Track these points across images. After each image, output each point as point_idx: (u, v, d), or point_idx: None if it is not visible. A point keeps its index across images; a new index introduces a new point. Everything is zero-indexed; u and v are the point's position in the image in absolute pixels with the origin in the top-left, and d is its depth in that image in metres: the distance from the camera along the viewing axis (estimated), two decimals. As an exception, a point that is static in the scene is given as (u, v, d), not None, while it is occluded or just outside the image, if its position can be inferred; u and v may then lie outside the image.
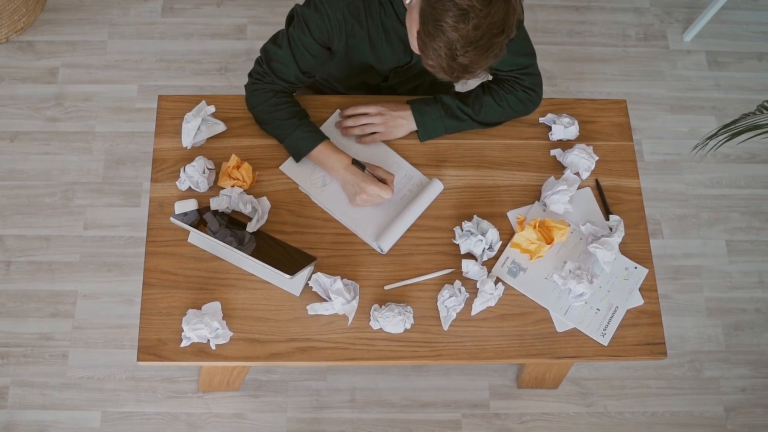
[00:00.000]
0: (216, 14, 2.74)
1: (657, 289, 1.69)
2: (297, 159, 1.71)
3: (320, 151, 1.69)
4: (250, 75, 1.71)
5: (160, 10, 2.73)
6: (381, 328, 1.61)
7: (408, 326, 1.59)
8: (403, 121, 1.75)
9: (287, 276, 1.47)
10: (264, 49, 1.68)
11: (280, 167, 1.74)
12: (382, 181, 1.67)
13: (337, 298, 1.57)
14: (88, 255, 2.37)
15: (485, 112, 1.74)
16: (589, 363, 2.32)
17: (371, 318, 1.60)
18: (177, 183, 1.70)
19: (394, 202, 1.72)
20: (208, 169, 1.70)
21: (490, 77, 1.78)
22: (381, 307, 1.61)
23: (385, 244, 1.66)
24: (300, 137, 1.69)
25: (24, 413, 2.18)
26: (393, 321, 1.57)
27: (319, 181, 1.73)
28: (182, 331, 1.58)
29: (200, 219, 1.60)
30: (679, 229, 2.51)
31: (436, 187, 1.72)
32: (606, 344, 1.63)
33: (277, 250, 1.59)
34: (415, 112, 1.74)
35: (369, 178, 1.65)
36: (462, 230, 1.69)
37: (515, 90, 1.74)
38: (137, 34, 2.69)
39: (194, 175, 1.68)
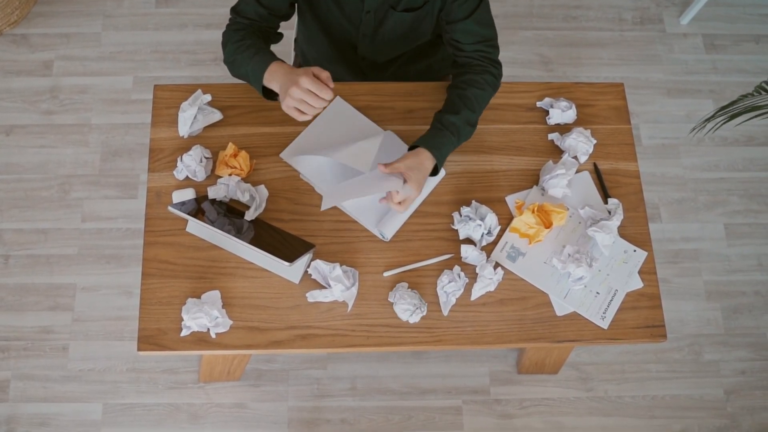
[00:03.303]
0: (210, 4, 2.73)
1: (656, 272, 1.69)
2: (260, 89, 1.63)
3: (272, 69, 1.60)
4: (228, 25, 1.73)
5: (153, 0, 2.72)
6: (393, 303, 1.60)
7: (415, 320, 1.59)
8: (426, 173, 1.61)
9: (286, 263, 1.47)
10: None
11: (281, 155, 1.73)
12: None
13: (336, 284, 1.57)
14: (86, 247, 2.36)
15: (479, 106, 1.69)
16: (588, 348, 2.32)
17: (390, 294, 1.61)
18: (174, 172, 1.70)
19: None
20: (205, 158, 1.69)
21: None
22: (406, 288, 1.61)
23: (388, 231, 1.65)
24: (256, 64, 1.62)
25: (25, 406, 2.18)
26: (403, 306, 1.57)
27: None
28: (182, 320, 1.58)
29: (198, 208, 1.59)
30: (678, 213, 2.51)
31: (438, 174, 1.71)
32: (606, 327, 1.64)
33: (275, 237, 1.59)
34: (435, 153, 1.61)
35: (308, 73, 1.54)
36: (461, 215, 1.68)
37: (486, 66, 1.70)
38: (131, 25, 2.68)
39: (191, 164, 1.67)
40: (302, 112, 1.55)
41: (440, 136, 1.63)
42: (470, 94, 1.67)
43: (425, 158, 1.60)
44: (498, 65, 1.73)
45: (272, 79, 1.60)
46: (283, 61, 1.63)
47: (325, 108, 1.67)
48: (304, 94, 1.53)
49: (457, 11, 1.68)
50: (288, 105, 1.55)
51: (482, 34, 1.70)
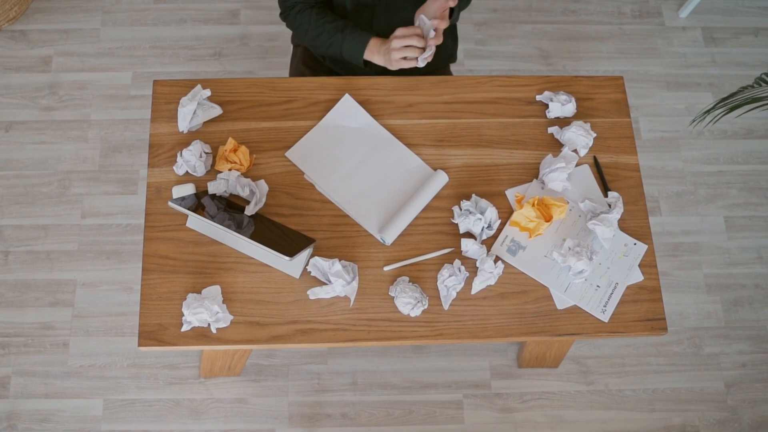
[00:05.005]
0: (209, -1, 2.73)
1: (656, 265, 1.69)
2: (362, 64, 1.80)
3: (370, 49, 1.77)
4: (280, 15, 1.87)
5: (152, -4, 2.72)
6: (394, 298, 1.61)
7: (416, 313, 1.59)
8: None
9: (286, 258, 1.47)
10: None
11: (286, 154, 1.73)
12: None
13: (337, 280, 1.57)
14: (86, 243, 2.36)
15: None
16: (589, 341, 2.32)
17: (391, 289, 1.61)
18: (174, 168, 1.70)
19: (399, 194, 1.71)
20: (205, 153, 1.69)
21: None
22: (407, 282, 1.61)
23: (389, 237, 1.65)
24: (351, 46, 1.78)
25: (26, 402, 2.18)
26: (404, 300, 1.57)
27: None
28: (182, 315, 1.58)
29: (198, 203, 1.59)
30: (677, 207, 2.51)
31: (441, 179, 1.71)
32: (606, 321, 1.64)
33: (275, 232, 1.59)
34: None
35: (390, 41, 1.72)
36: (461, 209, 1.68)
37: None
38: (130, 20, 2.67)
39: (191, 159, 1.67)
40: (409, 59, 1.71)
41: None
42: None
43: None
44: None
45: (372, 56, 1.77)
46: (373, 38, 1.77)
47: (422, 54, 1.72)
48: (401, 48, 1.70)
49: None
50: (396, 58, 1.71)
51: None
